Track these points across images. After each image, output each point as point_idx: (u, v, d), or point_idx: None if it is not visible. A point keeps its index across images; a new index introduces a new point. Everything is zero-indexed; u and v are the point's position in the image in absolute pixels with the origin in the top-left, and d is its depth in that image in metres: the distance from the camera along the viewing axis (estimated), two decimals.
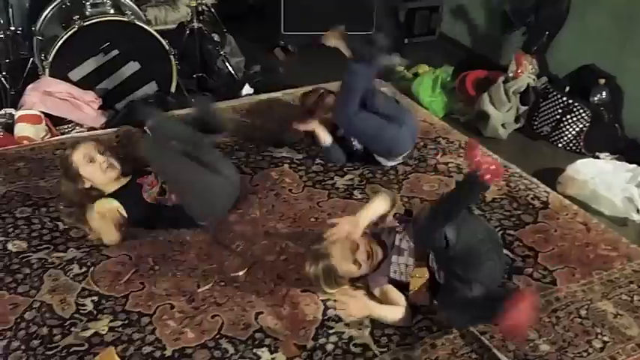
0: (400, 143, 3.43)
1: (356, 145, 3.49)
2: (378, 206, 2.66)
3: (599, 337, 2.48)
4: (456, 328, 2.48)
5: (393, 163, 3.51)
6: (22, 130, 3.63)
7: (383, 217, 2.71)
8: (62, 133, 3.78)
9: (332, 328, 2.48)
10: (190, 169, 2.89)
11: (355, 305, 2.42)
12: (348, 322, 2.49)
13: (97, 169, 2.93)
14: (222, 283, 2.68)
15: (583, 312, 2.60)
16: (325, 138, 3.46)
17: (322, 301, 2.60)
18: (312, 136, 3.53)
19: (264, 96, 4.28)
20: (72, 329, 2.43)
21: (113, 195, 2.91)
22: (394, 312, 2.48)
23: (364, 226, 2.57)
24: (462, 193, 2.42)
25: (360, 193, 3.29)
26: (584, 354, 2.40)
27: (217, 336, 2.42)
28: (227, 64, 4.45)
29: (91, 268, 2.73)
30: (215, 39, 4.50)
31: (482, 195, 3.13)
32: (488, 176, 2.25)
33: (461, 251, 2.39)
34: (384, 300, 2.52)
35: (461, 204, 2.42)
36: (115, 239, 2.86)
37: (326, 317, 2.53)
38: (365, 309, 2.45)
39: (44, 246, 2.85)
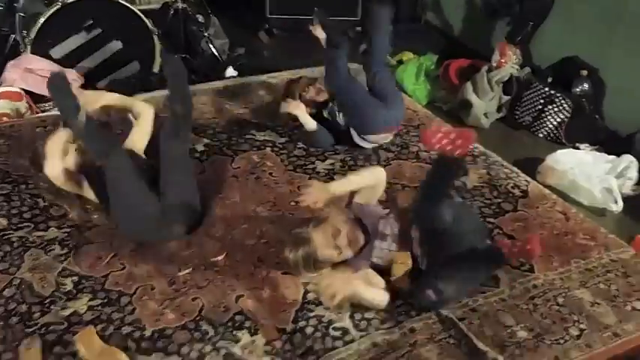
0: (370, 124, 3.47)
1: (340, 121, 3.51)
2: (358, 179, 2.77)
3: (576, 324, 2.51)
4: (447, 302, 2.50)
5: (369, 145, 3.53)
6: (2, 107, 3.59)
7: (367, 196, 2.78)
8: (43, 111, 3.73)
9: (312, 311, 2.49)
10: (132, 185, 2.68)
11: (341, 281, 2.38)
12: (328, 307, 2.50)
13: (70, 158, 2.86)
14: (203, 267, 2.67)
15: (560, 300, 2.63)
16: (309, 123, 3.47)
17: (302, 283, 2.61)
18: (297, 122, 3.54)
19: (248, 79, 4.26)
20: (51, 307, 2.42)
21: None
22: (377, 293, 2.48)
23: (335, 193, 2.65)
24: (442, 173, 2.46)
25: (342, 178, 3.29)
26: (561, 341, 2.43)
27: (197, 317, 2.42)
28: (211, 45, 4.43)
29: (73, 250, 2.70)
30: (199, 20, 4.46)
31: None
32: (458, 151, 2.28)
33: (454, 237, 2.43)
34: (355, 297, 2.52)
35: (443, 182, 2.48)
36: (56, 172, 2.73)
37: (306, 300, 2.53)
38: (349, 285, 2.40)
39: (25, 224, 2.83)
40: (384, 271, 2.56)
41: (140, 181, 2.68)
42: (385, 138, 3.57)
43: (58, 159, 2.73)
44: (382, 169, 2.85)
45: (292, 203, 3.09)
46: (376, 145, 3.56)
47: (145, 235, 2.78)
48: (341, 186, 2.75)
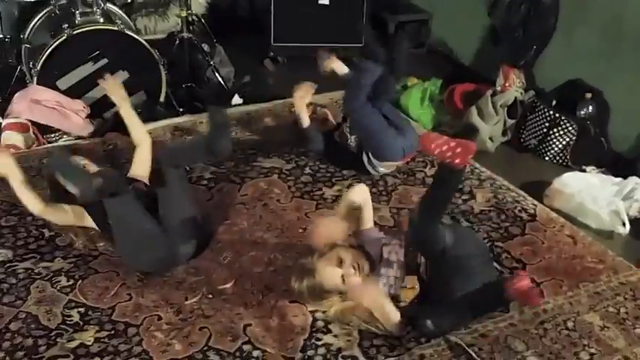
0: (389, 149, 3.45)
1: (351, 143, 3.53)
2: (350, 196, 2.81)
3: (587, 349, 2.50)
4: (445, 333, 2.48)
5: (381, 170, 3.52)
6: (9, 138, 3.60)
7: (359, 221, 2.80)
8: (49, 142, 3.75)
9: (320, 339, 2.48)
10: (137, 217, 2.72)
11: (370, 294, 2.44)
12: (336, 334, 2.49)
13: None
14: (210, 296, 2.66)
15: (570, 324, 2.61)
16: (305, 119, 3.55)
17: (310, 312, 2.59)
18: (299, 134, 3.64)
19: (253, 106, 4.28)
20: (57, 340, 2.41)
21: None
22: (396, 314, 2.47)
23: (343, 215, 2.69)
24: (440, 184, 2.45)
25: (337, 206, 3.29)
26: None
27: (205, 348, 2.41)
28: (216, 74, 4.45)
29: (79, 282, 2.70)
30: (205, 49, 4.50)
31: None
32: (457, 160, 2.27)
33: (454, 259, 2.42)
34: (373, 311, 2.51)
35: (443, 195, 2.46)
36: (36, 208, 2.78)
37: (314, 329, 2.52)
38: (378, 299, 2.45)
39: (30, 255, 2.83)
40: (393, 298, 2.54)
41: (143, 213, 2.72)
42: (394, 166, 3.57)
43: (34, 201, 2.77)
44: (362, 184, 2.96)
45: (300, 230, 3.09)
46: (386, 172, 3.56)
47: (152, 265, 2.77)
48: (343, 209, 2.77)
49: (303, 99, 3.56)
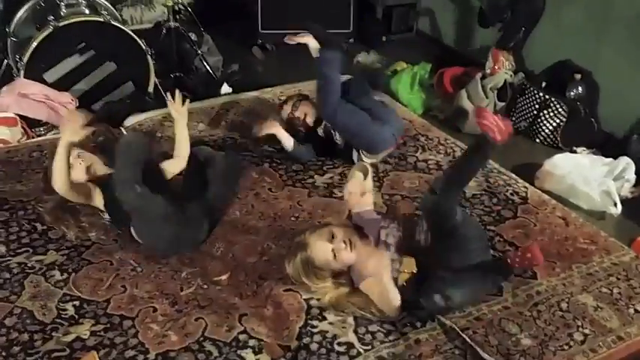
0: (381, 141, 3.44)
1: (338, 140, 3.49)
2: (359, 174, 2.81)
3: (580, 330, 2.51)
4: (454, 308, 2.52)
5: (371, 161, 3.50)
6: None
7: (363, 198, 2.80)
8: (38, 136, 3.73)
9: (316, 327, 2.48)
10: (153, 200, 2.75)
11: (378, 262, 2.48)
12: (331, 321, 2.50)
13: (75, 169, 2.90)
14: (205, 286, 2.66)
15: (564, 305, 2.63)
16: (287, 142, 3.48)
17: (305, 300, 2.60)
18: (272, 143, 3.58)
19: (242, 95, 4.26)
20: (53, 334, 2.40)
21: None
22: (397, 295, 2.48)
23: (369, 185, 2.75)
24: (473, 156, 2.61)
25: (340, 192, 3.28)
26: (566, 347, 2.43)
27: (201, 338, 2.41)
28: (204, 63, 4.43)
29: (72, 275, 2.69)
30: (192, 38, 4.47)
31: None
32: (497, 135, 2.49)
33: (460, 237, 2.46)
34: (370, 294, 2.51)
35: (473, 167, 2.63)
36: (61, 186, 2.75)
37: (309, 316, 2.53)
38: (381, 268, 2.49)
39: (23, 249, 2.81)
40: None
41: (165, 205, 2.76)
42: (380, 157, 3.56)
43: (64, 175, 2.74)
44: (363, 163, 2.95)
45: (292, 218, 3.09)
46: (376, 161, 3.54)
47: (167, 246, 2.81)
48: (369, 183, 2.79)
49: (274, 127, 3.51)
